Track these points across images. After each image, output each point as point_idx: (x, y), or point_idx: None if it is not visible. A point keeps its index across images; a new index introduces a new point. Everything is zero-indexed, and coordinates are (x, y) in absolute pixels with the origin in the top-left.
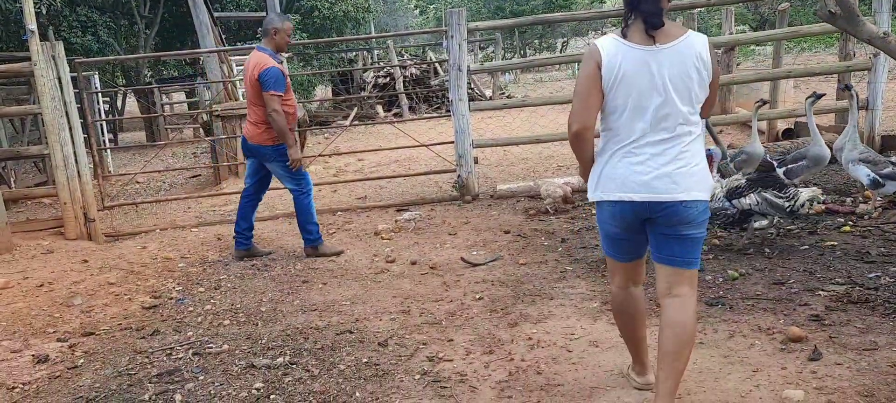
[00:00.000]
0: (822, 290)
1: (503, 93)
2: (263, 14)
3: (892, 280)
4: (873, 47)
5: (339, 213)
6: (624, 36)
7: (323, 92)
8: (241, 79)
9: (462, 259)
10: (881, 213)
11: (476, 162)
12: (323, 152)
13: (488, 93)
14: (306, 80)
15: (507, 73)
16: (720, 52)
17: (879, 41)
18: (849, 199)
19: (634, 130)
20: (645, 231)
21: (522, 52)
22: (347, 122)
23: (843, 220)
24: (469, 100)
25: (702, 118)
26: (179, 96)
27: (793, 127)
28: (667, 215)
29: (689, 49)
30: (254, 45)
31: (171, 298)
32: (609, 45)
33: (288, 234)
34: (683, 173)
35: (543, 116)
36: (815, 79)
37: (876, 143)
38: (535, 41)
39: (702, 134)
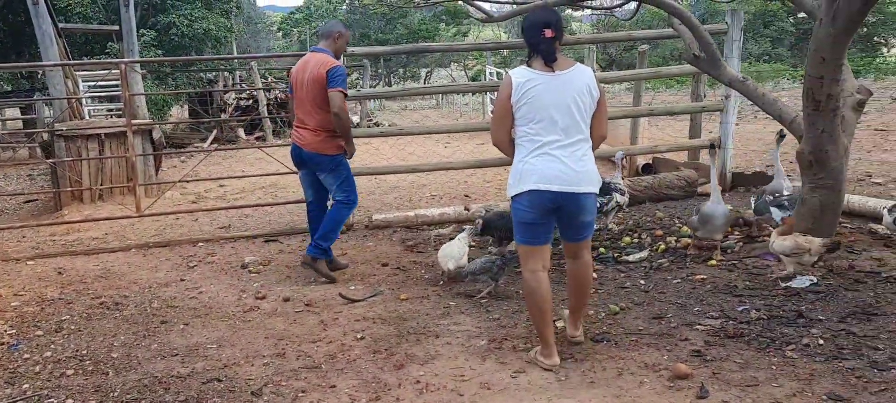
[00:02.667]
0: (700, 324)
1: (371, 121)
2: (114, 27)
3: (759, 313)
4: (731, 89)
5: (200, 244)
6: (529, 65)
7: (180, 112)
8: (90, 96)
9: (340, 294)
10: (742, 247)
11: None
12: (183, 178)
13: (356, 119)
14: (162, 100)
15: (371, 101)
16: None
17: (739, 84)
18: None
19: (548, 137)
20: (553, 219)
21: (387, 80)
22: (206, 145)
23: (709, 254)
24: None
25: (598, 133)
26: (13, 112)
27: (651, 162)
28: (572, 204)
29: (581, 76)
30: (103, 59)
31: (3, 343)
32: (519, 73)
33: (141, 268)
34: (584, 171)
35: (411, 144)
36: (672, 117)
37: (726, 181)
38: (400, 69)
39: (590, 142)
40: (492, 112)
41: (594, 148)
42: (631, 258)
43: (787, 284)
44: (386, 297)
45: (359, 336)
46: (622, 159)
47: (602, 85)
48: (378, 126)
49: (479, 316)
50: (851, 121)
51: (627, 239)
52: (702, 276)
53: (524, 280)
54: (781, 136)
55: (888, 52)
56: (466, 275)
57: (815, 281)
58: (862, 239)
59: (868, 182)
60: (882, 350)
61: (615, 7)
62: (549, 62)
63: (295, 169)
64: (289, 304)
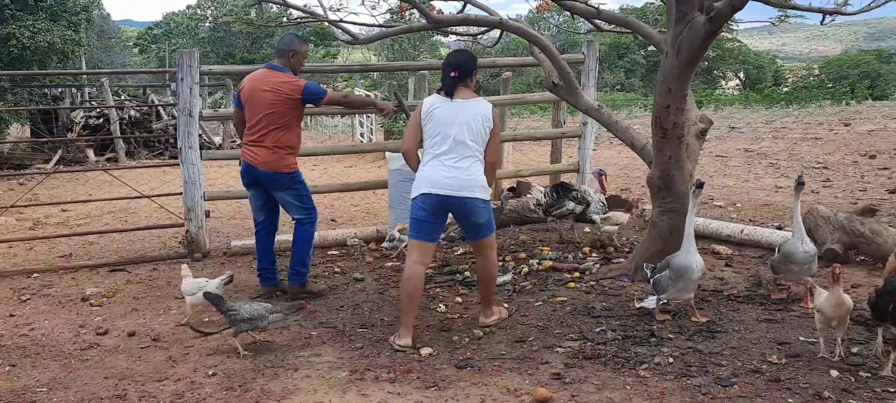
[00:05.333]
0: (560, 347)
1: (235, 142)
2: None
3: (615, 333)
4: (588, 116)
5: (35, 275)
6: (438, 93)
7: (20, 131)
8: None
9: (191, 327)
10: (599, 270)
11: (208, 215)
12: (16, 202)
13: (218, 140)
14: None
15: None
16: None
17: (595, 112)
18: (571, 256)
19: (441, 149)
20: (443, 220)
21: None
22: (50, 166)
23: (569, 276)
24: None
25: (491, 158)
26: None
27: (515, 185)
28: (458, 206)
29: (476, 106)
30: None
31: None
32: (430, 99)
33: None
34: (468, 179)
35: None
36: (535, 142)
37: None
38: None
39: (481, 160)
40: (406, 126)
41: (488, 170)
42: (498, 279)
43: (641, 305)
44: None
45: (210, 373)
46: (598, 175)
47: (496, 118)
48: (240, 147)
49: (341, 346)
50: (695, 148)
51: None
52: (562, 298)
53: (405, 267)
54: (800, 183)
55: (726, 84)
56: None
57: (666, 300)
58: (706, 259)
59: (711, 205)
60: (725, 366)
61: (479, 34)
62: (449, 94)
63: (137, 193)
64: (134, 339)
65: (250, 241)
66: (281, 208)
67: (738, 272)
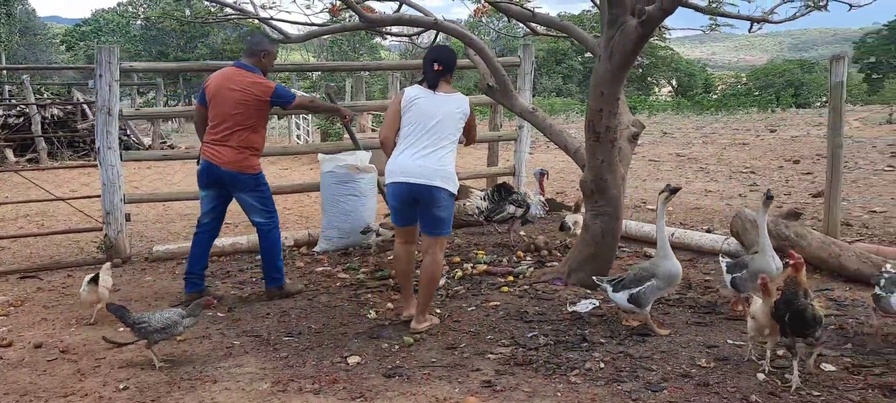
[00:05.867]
0: (491, 353)
1: (165, 143)
2: None
3: (547, 338)
4: (522, 119)
5: None
6: (420, 85)
7: None
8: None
9: (104, 338)
10: (533, 273)
11: (128, 219)
12: None
13: (148, 141)
14: None
15: (170, 121)
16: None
17: (529, 115)
18: (505, 260)
19: (415, 139)
20: (415, 208)
21: (187, 99)
22: None
23: (502, 280)
24: (124, 149)
25: (469, 142)
26: None
27: None
28: (425, 194)
29: (455, 100)
30: None
31: None
32: (412, 89)
33: None
34: (438, 169)
35: None
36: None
37: None
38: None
39: (454, 152)
40: (385, 115)
41: (469, 141)
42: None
43: (573, 309)
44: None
45: (121, 387)
46: (540, 176)
47: (472, 111)
48: (172, 148)
49: (265, 356)
50: (627, 152)
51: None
52: (495, 303)
53: (394, 247)
54: (769, 198)
55: (659, 91)
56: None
57: (597, 304)
58: (638, 262)
59: (644, 208)
60: (655, 371)
61: (413, 34)
62: (432, 87)
63: (52, 195)
64: (40, 352)
65: (174, 246)
66: (226, 213)
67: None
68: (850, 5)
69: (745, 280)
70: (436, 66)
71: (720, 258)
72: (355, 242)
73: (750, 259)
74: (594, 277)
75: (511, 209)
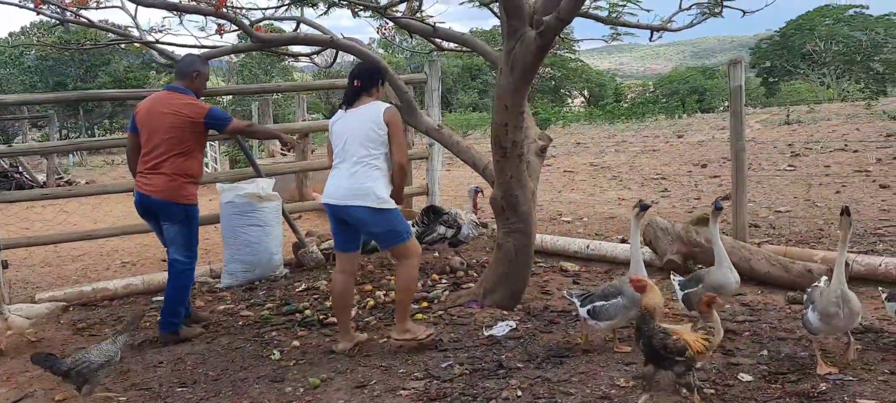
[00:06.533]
0: (404, 389)
1: (62, 178)
2: None
3: (463, 367)
4: (430, 138)
5: None
6: (341, 107)
7: None
8: None
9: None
10: (448, 297)
11: (5, 266)
12: None
13: (42, 177)
14: None
15: (71, 155)
16: (295, 138)
17: (435, 132)
18: (419, 284)
19: (338, 159)
20: (351, 229)
21: (90, 131)
22: None
23: (416, 307)
24: (17, 188)
25: (396, 159)
26: None
27: None
28: (346, 214)
29: (368, 111)
30: None
31: None
32: (336, 114)
33: None
34: (355, 187)
35: (113, 203)
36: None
37: None
38: (106, 121)
39: (378, 167)
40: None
41: (396, 172)
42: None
43: (490, 333)
44: (36, 400)
45: None
46: (474, 193)
47: (394, 117)
48: (69, 184)
49: None
50: (536, 166)
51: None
52: None
53: (332, 275)
54: (718, 208)
55: (572, 102)
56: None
57: (514, 325)
58: (554, 277)
59: (559, 220)
60: (574, 394)
61: (311, 53)
62: (349, 104)
63: None
64: None
65: (60, 292)
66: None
67: (585, 289)
68: (744, 12)
69: (700, 296)
70: (355, 83)
71: (672, 276)
72: (261, 275)
73: (705, 273)
74: (564, 292)
75: (441, 229)
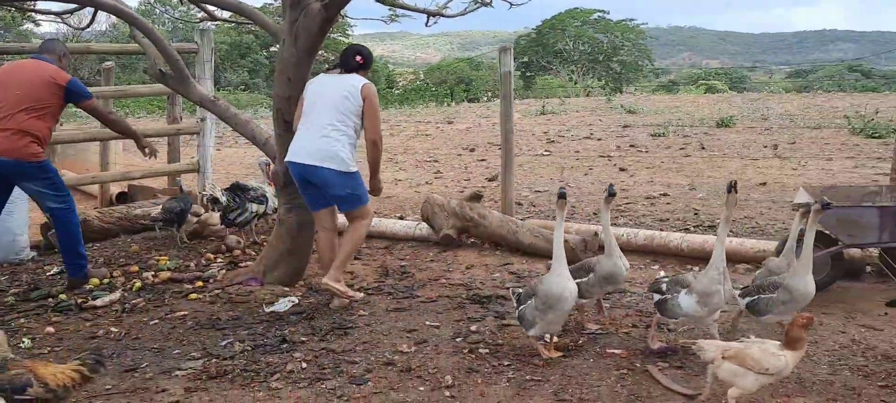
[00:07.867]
0: (179, 369)
1: None
2: None
3: (244, 344)
4: (203, 111)
5: None
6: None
7: None
8: None
9: None
10: (225, 276)
11: None
12: None
13: None
14: None
15: None
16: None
17: (210, 104)
18: (193, 263)
19: (307, 119)
20: (316, 189)
21: None
22: None
23: (190, 287)
24: None
25: (369, 136)
26: None
27: (127, 190)
28: (312, 175)
29: (347, 81)
30: None
31: None
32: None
33: None
34: (322, 149)
35: None
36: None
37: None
38: None
39: (347, 134)
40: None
41: (369, 149)
42: (98, 302)
43: (271, 309)
44: None
45: None
46: (266, 166)
47: (371, 92)
48: None
49: None
50: None
51: (95, 280)
52: (183, 312)
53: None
54: (611, 194)
55: None
56: None
57: (296, 301)
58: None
59: None
60: (359, 363)
61: (64, 12)
62: (341, 69)
63: None
64: None
65: None
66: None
67: (367, 264)
68: (511, 4)
69: (592, 285)
70: (357, 58)
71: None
72: (3, 258)
73: (596, 261)
74: (508, 285)
75: (253, 208)
